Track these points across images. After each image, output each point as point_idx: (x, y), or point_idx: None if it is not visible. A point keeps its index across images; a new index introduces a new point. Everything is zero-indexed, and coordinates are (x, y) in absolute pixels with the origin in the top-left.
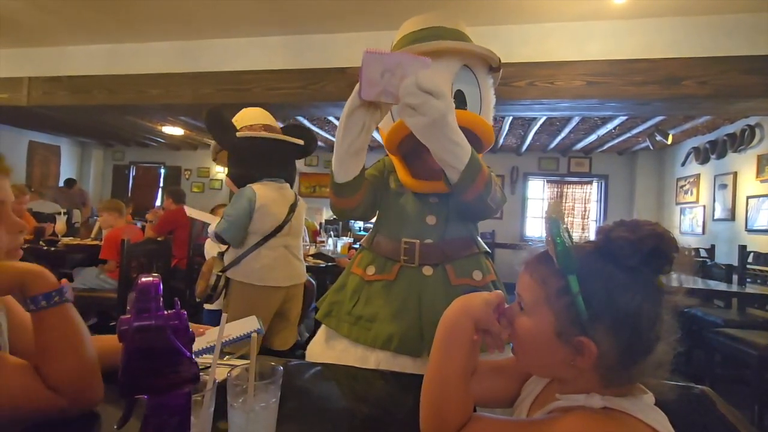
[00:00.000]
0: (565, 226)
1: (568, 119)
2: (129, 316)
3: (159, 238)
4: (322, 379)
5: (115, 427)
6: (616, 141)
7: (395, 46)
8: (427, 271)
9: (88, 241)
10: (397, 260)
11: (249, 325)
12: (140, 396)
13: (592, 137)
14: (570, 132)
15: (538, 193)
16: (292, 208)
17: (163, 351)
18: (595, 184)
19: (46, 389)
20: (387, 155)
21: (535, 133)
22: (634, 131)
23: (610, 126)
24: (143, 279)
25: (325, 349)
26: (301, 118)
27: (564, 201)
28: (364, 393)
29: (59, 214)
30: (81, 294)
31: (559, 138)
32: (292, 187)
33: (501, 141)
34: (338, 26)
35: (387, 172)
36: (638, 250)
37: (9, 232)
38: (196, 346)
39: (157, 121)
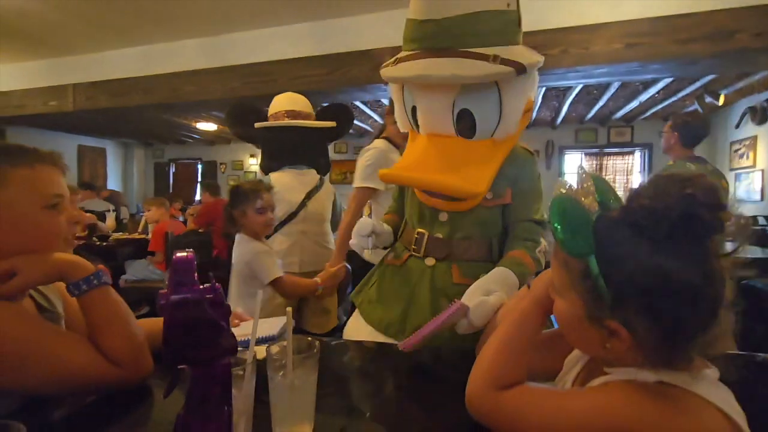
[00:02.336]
0: (575, 200)
1: (607, 86)
2: (167, 290)
3: (200, 230)
4: (358, 356)
5: (164, 396)
6: (660, 106)
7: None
8: (430, 262)
9: (135, 235)
10: (408, 249)
11: (281, 322)
12: (184, 366)
13: (634, 104)
14: (609, 100)
15: (575, 167)
16: (310, 195)
17: (200, 323)
18: (637, 154)
19: (107, 361)
20: None
21: (571, 104)
22: (681, 94)
23: (653, 90)
24: (178, 255)
25: (354, 329)
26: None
27: (604, 173)
28: (399, 367)
29: (108, 211)
30: (133, 285)
31: (597, 107)
32: (321, 171)
33: (533, 115)
34: (360, 7)
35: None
36: (664, 217)
37: (68, 223)
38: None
39: (191, 117)
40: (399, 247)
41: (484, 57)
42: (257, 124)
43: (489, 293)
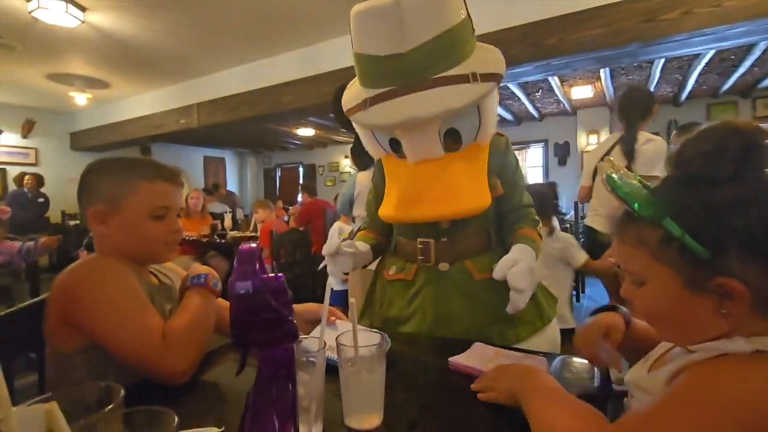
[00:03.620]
0: (626, 176)
1: (747, 49)
2: (234, 277)
3: (300, 228)
4: (425, 349)
5: (236, 374)
6: None
7: (356, 70)
8: (444, 267)
9: (248, 233)
10: (415, 261)
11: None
12: (251, 348)
13: None
14: (753, 66)
15: None
16: None
17: (262, 309)
18: None
19: (157, 343)
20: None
21: (700, 75)
22: None
23: None
24: (244, 246)
25: None
26: None
27: None
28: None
29: (227, 212)
30: None
31: (735, 76)
32: None
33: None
34: None
35: None
36: (723, 156)
37: (169, 231)
38: (327, 339)
39: (291, 125)
40: (398, 262)
41: (464, 79)
42: None
43: (515, 264)
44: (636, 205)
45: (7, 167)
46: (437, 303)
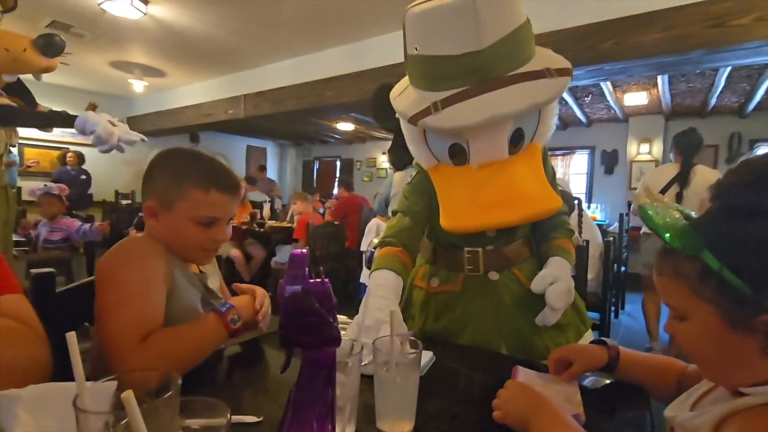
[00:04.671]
0: (663, 207)
1: None
2: (284, 281)
3: (336, 222)
4: (460, 358)
5: (280, 372)
6: None
7: (414, 73)
8: (494, 276)
9: (284, 224)
10: (461, 270)
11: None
12: (297, 348)
13: None
14: None
15: None
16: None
17: (308, 312)
18: None
19: (137, 342)
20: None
21: None
22: None
23: None
24: (295, 251)
25: None
26: None
27: None
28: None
29: (266, 202)
30: (280, 267)
31: None
32: None
33: (712, 102)
34: None
35: (432, 183)
36: (764, 188)
37: (211, 240)
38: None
39: (332, 119)
40: (441, 271)
41: (540, 74)
42: (398, 115)
43: (556, 280)
44: (667, 235)
45: (70, 147)
46: (494, 313)
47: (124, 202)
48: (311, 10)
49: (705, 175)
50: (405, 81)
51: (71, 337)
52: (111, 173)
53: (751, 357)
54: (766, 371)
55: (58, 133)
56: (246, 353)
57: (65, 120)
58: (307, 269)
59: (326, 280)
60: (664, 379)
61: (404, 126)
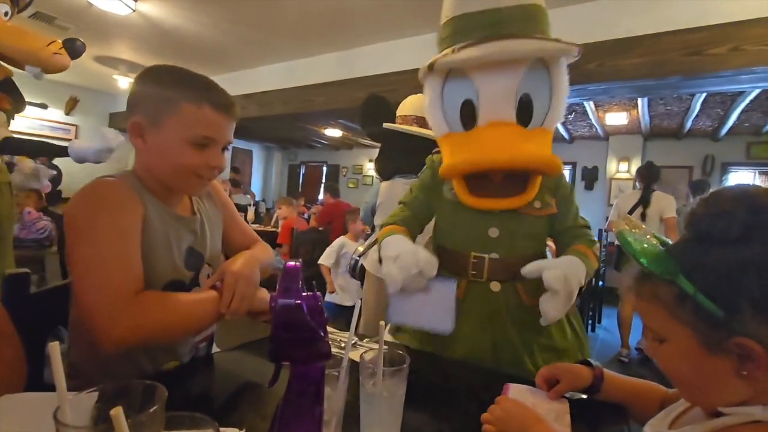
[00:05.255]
0: (641, 233)
1: None
2: (276, 293)
3: (320, 228)
4: (447, 373)
5: (268, 386)
6: None
7: (444, 37)
8: (495, 287)
9: (269, 228)
10: (465, 276)
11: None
12: (286, 363)
13: None
14: None
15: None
16: None
17: (300, 326)
18: None
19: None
20: (434, 153)
21: (743, 112)
22: None
23: None
24: (289, 263)
25: None
26: None
27: None
28: (493, 390)
29: (250, 205)
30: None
31: None
32: None
33: (688, 125)
34: None
35: (439, 180)
36: (733, 217)
37: (206, 164)
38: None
39: (320, 124)
40: (445, 273)
41: (553, 40)
42: (385, 125)
43: (551, 268)
44: (644, 261)
45: (51, 141)
46: (489, 324)
47: None
48: (304, 15)
49: (660, 198)
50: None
51: (54, 347)
52: (89, 168)
53: (726, 378)
54: (742, 392)
55: (35, 125)
56: (231, 361)
57: (57, 151)
58: (300, 282)
59: (318, 293)
60: (647, 402)
61: (427, 88)
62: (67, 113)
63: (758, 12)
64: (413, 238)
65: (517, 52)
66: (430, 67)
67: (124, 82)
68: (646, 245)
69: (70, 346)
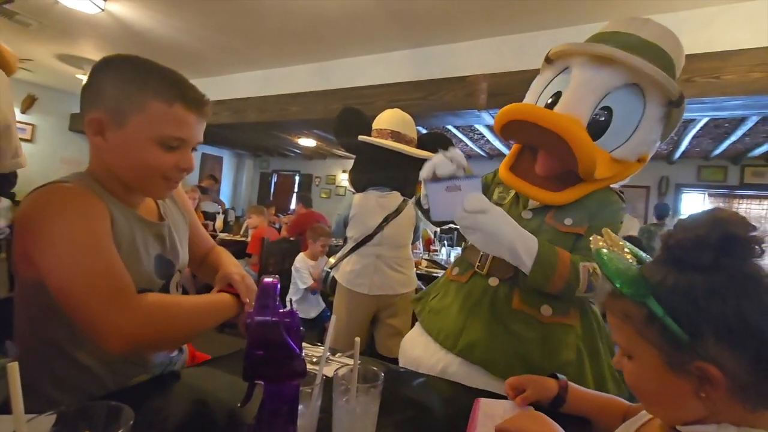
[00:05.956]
0: (619, 252)
1: (741, 120)
2: (252, 310)
3: (291, 238)
4: (421, 389)
5: (239, 405)
6: None
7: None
8: (493, 282)
9: (237, 237)
10: (472, 267)
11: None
12: (259, 382)
13: None
14: (745, 135)
15: (695, 208)
16: (387, 219)
17: (277, 344)
18: None
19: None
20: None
21: (694, 137)
22: None
23: None
24: (266, 280)
25: (409, 340)
26: (419, 128)
27: None
28: (464, 406)
29: (219, 213)
30: None
31: (727, 142)
32: (407, 194)
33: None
34: (457, 35)
35: (493, 185)
36: (706, 244)
37: (175, 166)
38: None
39: (294, 134)
40: (463, 263)
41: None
42: (361, 137)
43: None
44: (618, 283)
45: None
46: (473, 313)
47: None
48: (283, 26)
49: (625, 220)
50: None
51: (13, 368)
52: (48, 172)
53: (686, 397)
54: (699, 411)
55: None
56: (200, 377)
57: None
58: (277, 299)
59: (296, 310)
60: (610, 416)
61: (538, 78)
62: (24, 111)
63: (706, 47)
64: None
65: (622, 57)
66: (547, 60)
67: None
68: (620, 266)
69: (21, 362)
